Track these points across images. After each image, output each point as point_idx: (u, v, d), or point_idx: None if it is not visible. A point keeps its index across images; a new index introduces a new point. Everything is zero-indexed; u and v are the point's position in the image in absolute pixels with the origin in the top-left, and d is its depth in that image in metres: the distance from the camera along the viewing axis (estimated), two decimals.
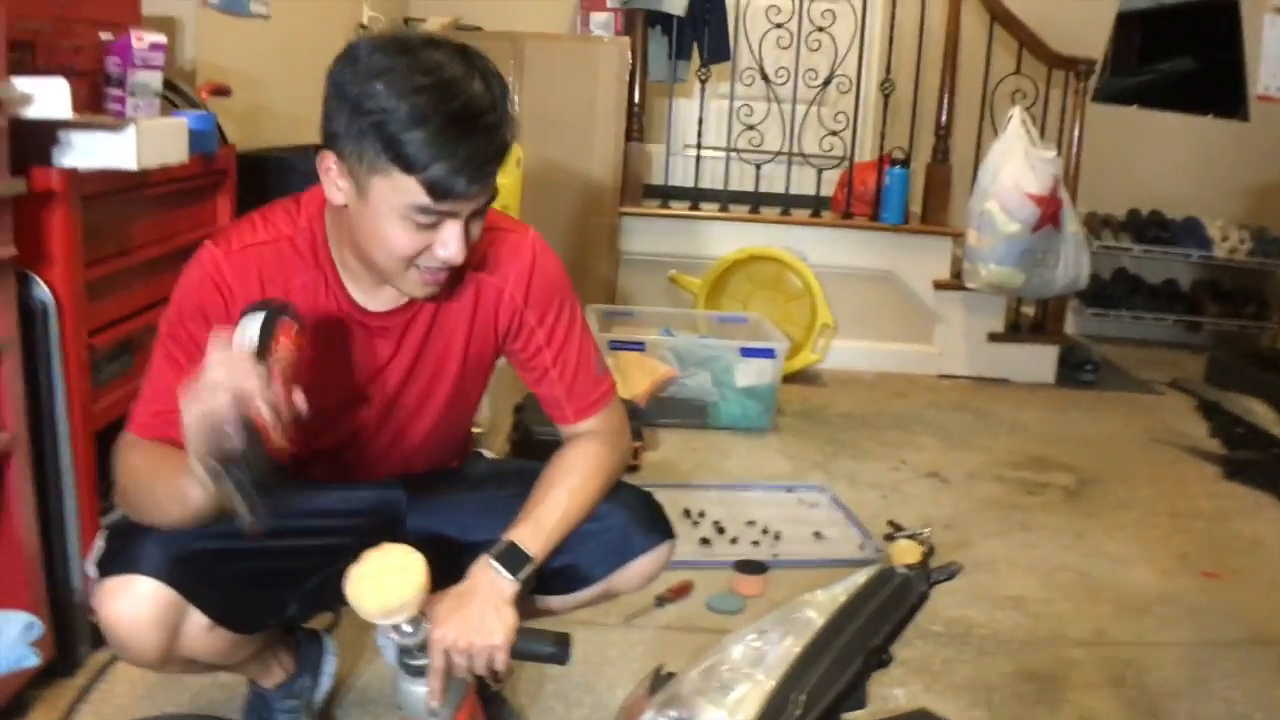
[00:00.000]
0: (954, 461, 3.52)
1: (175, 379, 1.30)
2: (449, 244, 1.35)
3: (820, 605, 1.44)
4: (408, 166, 1.28)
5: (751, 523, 2.87)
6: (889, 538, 2.81)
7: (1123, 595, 2.60)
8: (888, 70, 4.57)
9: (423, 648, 1.39)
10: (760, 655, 1.36)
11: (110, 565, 1.38)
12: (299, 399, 1.23)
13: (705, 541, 2.75)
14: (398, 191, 1.30)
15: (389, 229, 1.34)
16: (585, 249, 4.27)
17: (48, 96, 1.73)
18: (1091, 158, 4.59)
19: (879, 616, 1.44)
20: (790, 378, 4.18)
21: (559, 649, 1.44)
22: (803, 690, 1.29)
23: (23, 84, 1.71)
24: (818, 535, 2.83)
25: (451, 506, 1.66)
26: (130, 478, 1.38)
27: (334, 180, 1.36)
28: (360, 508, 1.61)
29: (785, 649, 1.35)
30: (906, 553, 2.72)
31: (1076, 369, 4.67)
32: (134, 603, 1.35)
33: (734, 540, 2.77)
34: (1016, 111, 4.21)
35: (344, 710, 1.93)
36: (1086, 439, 3.88)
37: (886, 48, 4.58)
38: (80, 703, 1.87)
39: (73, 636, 1.88)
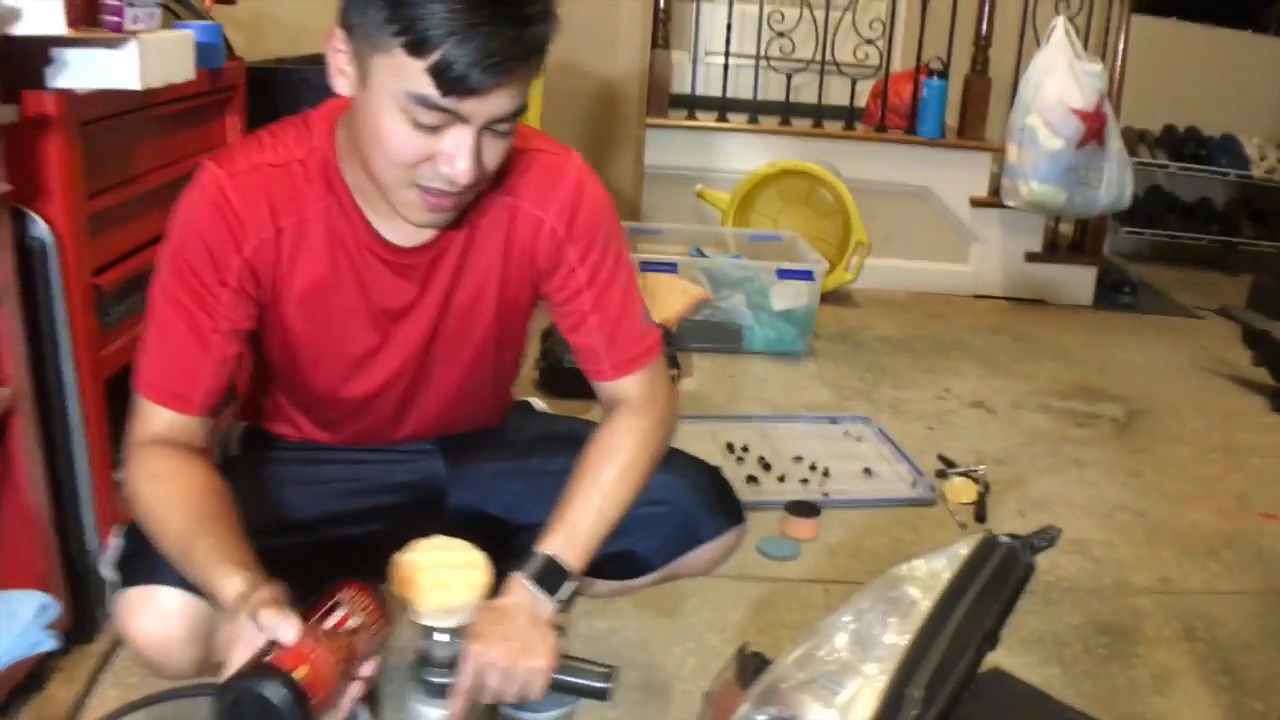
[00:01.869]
0: (998, 389, 3.39)
1: (180, 324, 1.24)
2: (454, 156, 1.13)
3: (922, 582, 1.30)
4: (413, 45, 1.06)
5: (798, 458, 2.74)
6: (941, 474, 2.70)
7: (1185, 539, 2.49)
8: None
9: (451, 664, 1.23)
10: (863, 642, 1.22)
11: (131, 570, 1.22)
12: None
13: (752, 479, 2.62)
14: (398, 75, 1.09)
15: (386, 122, 1.12)
16: (607, 162, 4.08)
17: (38, 12, 1.49)
18: (1130, 71, 4.39)
19: (987, 594, 1.30)
20: (822, 298, 4.02)
21: (604, 683, 1.28)
22: (919, 684, 1.16)
23: None
24: (868, 471, 2.71)
25: (497, 480, 1.51)
26: (148, 517, 1.19)
27: (341, 65, 1.16)
28: (394, 483, 1.48)
29: (891, 636, 1.22)
30: (962, 491, 2.62)
31: (1114, 290, 4.53)
32: (162, 619, 1.19)
33: (782, 478, 2.64)
34: (1060, 21, 4.01)
35: None
36: (1131, 366, 3.75)
37: None
38: (101, 672, 1.71)
39: (89, 601, 1.72)
